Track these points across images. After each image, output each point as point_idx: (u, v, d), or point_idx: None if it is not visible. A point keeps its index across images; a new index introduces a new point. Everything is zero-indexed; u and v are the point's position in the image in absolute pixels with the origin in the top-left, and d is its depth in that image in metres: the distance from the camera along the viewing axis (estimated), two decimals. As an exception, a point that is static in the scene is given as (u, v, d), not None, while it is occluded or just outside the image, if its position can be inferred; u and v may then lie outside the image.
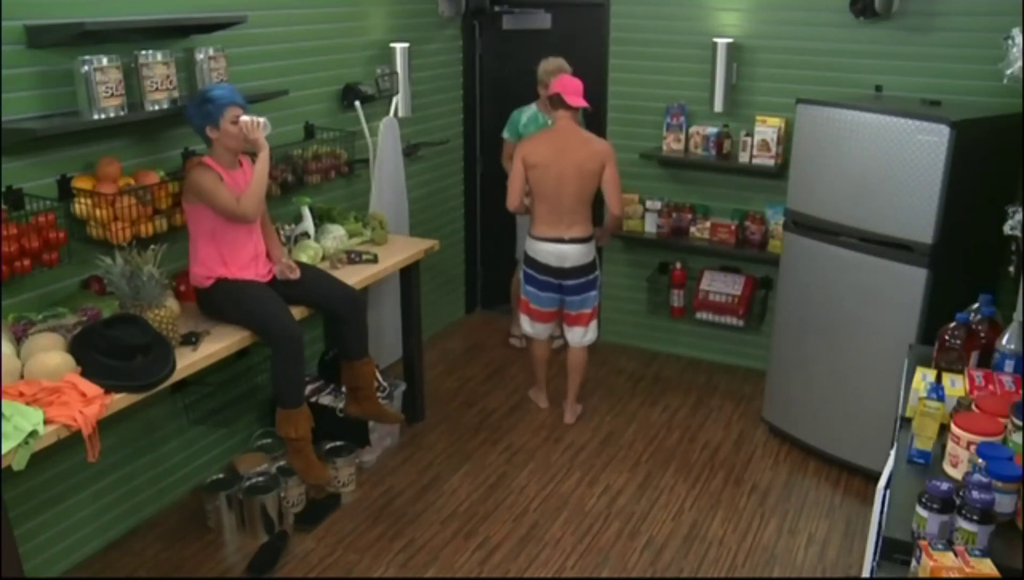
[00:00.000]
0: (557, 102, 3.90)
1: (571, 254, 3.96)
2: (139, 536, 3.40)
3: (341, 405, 3.77)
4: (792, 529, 3.50)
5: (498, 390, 4.65)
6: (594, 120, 4.94)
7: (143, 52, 2.97)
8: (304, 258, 3.64)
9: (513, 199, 3.97)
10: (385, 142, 4.40)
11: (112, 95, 2.85)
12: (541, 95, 4.48)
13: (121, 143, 3.13)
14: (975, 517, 1.74)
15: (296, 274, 3.36)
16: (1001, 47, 3.13)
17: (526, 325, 4.26)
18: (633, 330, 5.19)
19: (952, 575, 1.61)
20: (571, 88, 3.89)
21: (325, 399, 3.84)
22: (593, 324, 4.21)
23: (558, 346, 4.62)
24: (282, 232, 3.70)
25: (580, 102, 3.88)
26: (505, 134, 4.58)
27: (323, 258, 3.78)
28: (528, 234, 4.05)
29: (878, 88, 4.11)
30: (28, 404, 2.43)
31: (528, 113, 4.50)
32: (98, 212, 2.91)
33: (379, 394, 3.82)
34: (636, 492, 3.74)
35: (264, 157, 3.15)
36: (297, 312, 3.30)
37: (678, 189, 4.80)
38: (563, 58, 4.37)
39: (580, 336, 4.19)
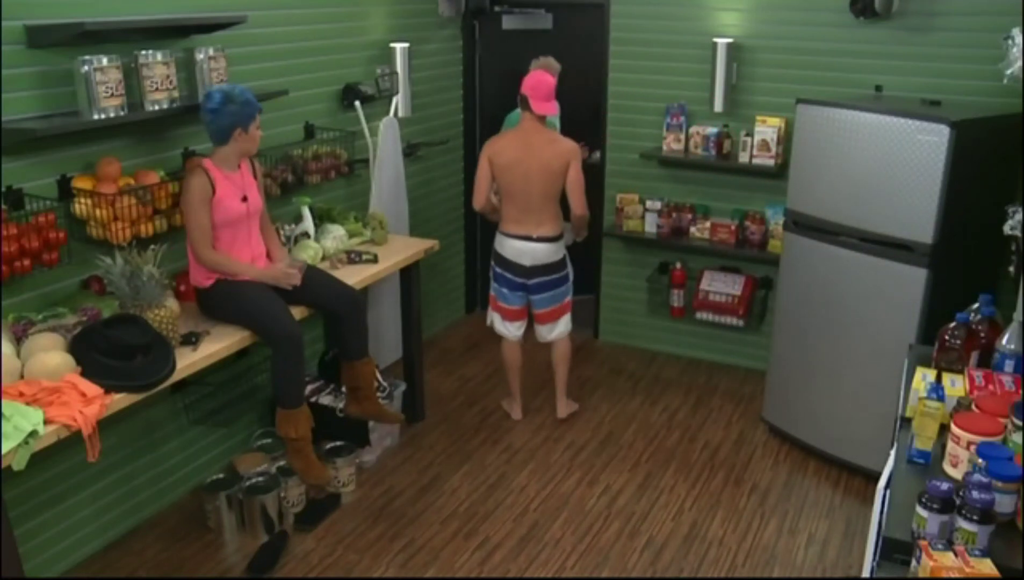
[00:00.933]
0: (524, 103, 3.89)
1: (538, 252, 3.97)
2: (139, 536, 3.40)
3: (341, 405, 3.77)
4: (792, 529, 3.50)
5: (498, 390, 4.64)
6: (594, 120, 4.95)
7: (143, 52, 2.97)
8: (304, 258, 3.64)
9: (479, 198, 3.99)
10: (385, 142, 4.40)
11: (112, 95, 2.85)
12: None
13: (121, 143, 3.13)
14: (975, 517, 1.74)
15: (297, 280, 3.32)
16: (1001, 47, 3.14)
17: (497, 323, 4.24)
18: (633, 330, 5.19)
19: (952, 575, 1.61)
20: (541, 93, 3.85)
21: (325, 399, 3.85)
22: (563, 318, 4.19)
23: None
24: (282, 232, 3.71)
25: (546, 111, 3.87)
26: None
27: (323, 258, 3.78)
28: (497, 231, 4.07)
29: (878, 88, 4.11)
30: (28, 404, 2.44)
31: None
32: (98, 212, 2.91)
33: (379, 394, 3.82)
34: (636, 492, 3.74)
35: (266, 272, 3.26)
36: (297, 312, 3.30)
37: (678, 189, 4.80)
38: (557, 58, 4.38)
39: (548, 332, 4.19)
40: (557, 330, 4.19)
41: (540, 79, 3.86)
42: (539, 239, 3.95)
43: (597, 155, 5.07)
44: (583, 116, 5.07)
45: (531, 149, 3.87)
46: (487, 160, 3.92)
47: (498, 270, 4.09)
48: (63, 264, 2.88)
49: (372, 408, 3.68)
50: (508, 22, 5.18)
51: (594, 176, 4.93)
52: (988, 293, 2.59)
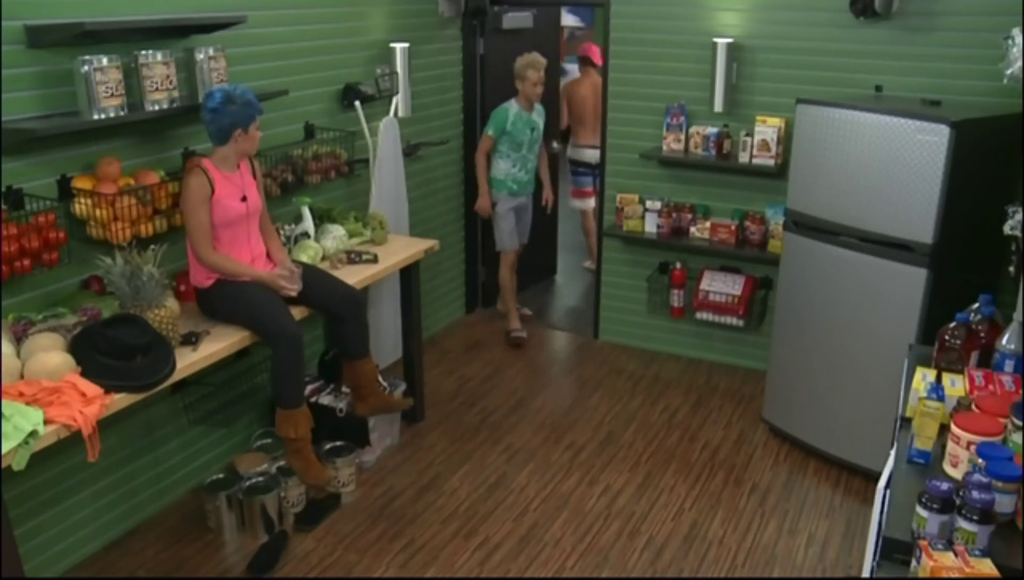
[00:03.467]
0: (587, 61, 6.03)
1: (595, 154, 5.53)
2: (139, 536, 3.40)
3: (341, 405, 3.77)
4: (792, 529, 3.50)
5: (498, 390, 4.64)
6: (552, 101, 5.15)
7: (143, 52, 2.97)
8: (304, 258, 3.65)
9: (564, 120, 6.26)
10: (385, 142, 4.40)
11: (112, 95, 2.85)
12: (520, 90, 4.89)
13: (121, 143, 3.13)
14: (975, 517, 1.74)
15: (293, 292, 3.31)
16: (1001, 47, 3.14)
17: (578, 203, 6.33)
18: (633, 330, 5.19)
19: (952, 575, 1.61)
20: (598, 54, 5.53)
21: (325, 399, 3.84)
22: (594, 196, 6.05)
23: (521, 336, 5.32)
24: (282, 232, 3.70)
25: (600, 62, 5.17)
26: (490, 131, 4.94)
27: (323, 258, 3.78)
28: (573, 146, 6.22)
29: (878, 88, 4.11)
30: (28, 404, 2.44)
31: (513, 111, 4.91)
32: (98, 212, 2.91)
33: (382, 392, 3.82)
34: (636, 492, 3.74)
35: (266, 277, 3.24)
36: (297, 312, 3.30)
37: (678, 189, 4.80)
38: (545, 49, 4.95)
39: (588, 203, 6.24)
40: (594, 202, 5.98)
41: (595, 47, 5.78)
42: (593, 147, 5.75)
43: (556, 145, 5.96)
44: (545, 114, 5.27)
45: (594, 91, 5.72)
46: (567, 97, 6.17)
47: (578, 168, 6.24)
48: (63, 264, 2.88)
49: (378, 402, 3.69)
50: (509, 21, 5.21)
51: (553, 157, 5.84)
52: (988, 293, 2.59)
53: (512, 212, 5.13)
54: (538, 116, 5.02)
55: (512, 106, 4.91)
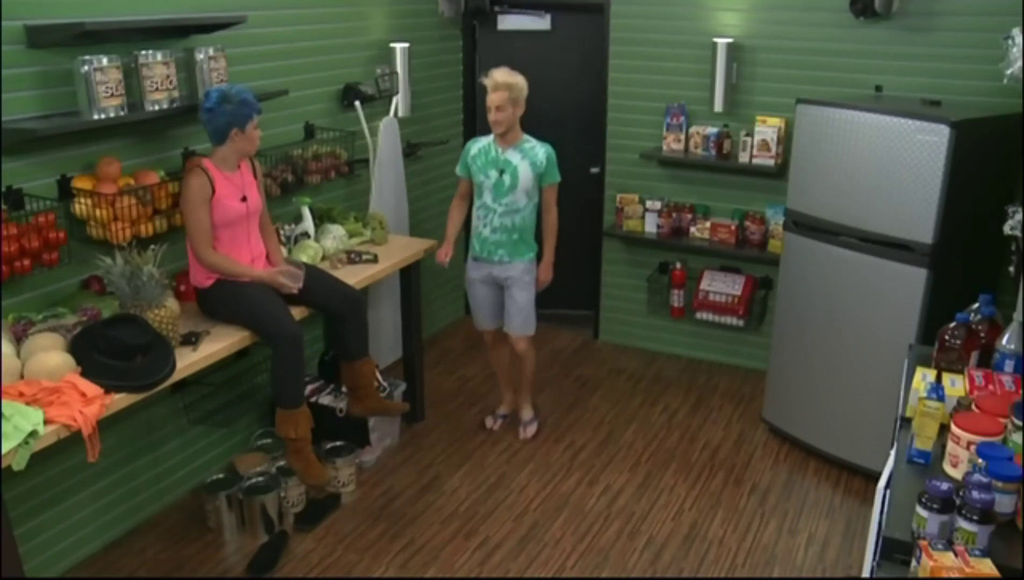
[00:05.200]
0: None
1: None
2: (139, 536, 3.40)
3: (341, 405, 3.77)
4: (792, 529, 3.50)
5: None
6: (594, 120, 4.95)
7: (143, 52, 2.97)
8: (304, 258, 3.64)
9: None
10: (385, 142, 4.40)
11: (112, 95, 2.85)
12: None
13: (121, 143, 3.13)
14: (975, 517, 1.74)
15: (294, 290, 3.29)
16: (1001, 47, 3.14)
17: None
18: (633, 330, 5.19)
19: (952, 575, 1.61)
20: None
21: (325, 399, 3.85)
22: None
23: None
24: (282, 232, 3.71)
25: None
26: (458, 169, 3.91)
27: (323, 258, 3.78)
28: None
29: (878, 88, 4.11)
30: (28, 404, 2.44)
31: (480, 143, 3.84)
32: (98, 212, 2.91)
33: (379, 394, 3.82)
34: (636, 492, 3.74)
35: (266, 276, 3.22)
36: (297, 312, 3.30)
37: (678, 189, 4.80)
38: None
39: None
40: None
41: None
42: None
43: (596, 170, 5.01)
44: (581, 121, 5.09)
45: None
46: None
47: None
48: (63, 264, 2.88)
49: (374, 405, 3.69)
50: (507, 23, 5.17)
51: (596, 183, 5.02)
52: (988, 293, 2.59)
53: (481, 284, 3.95)
54: (522, 157, 3.70)
55: (485, 137, 3.85)
